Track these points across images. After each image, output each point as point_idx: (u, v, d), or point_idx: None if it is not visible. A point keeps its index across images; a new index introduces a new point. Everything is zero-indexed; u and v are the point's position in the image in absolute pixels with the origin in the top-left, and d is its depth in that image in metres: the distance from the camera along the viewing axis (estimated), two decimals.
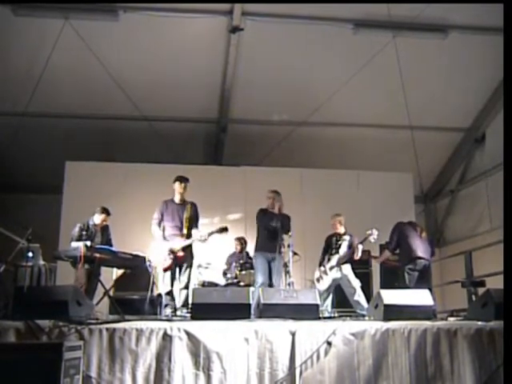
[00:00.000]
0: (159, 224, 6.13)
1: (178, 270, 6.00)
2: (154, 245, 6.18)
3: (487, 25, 7.77)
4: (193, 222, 6.08)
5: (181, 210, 6.10)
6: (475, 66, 8.57)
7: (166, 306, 5.91)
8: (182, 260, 5.95)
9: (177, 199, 6.19)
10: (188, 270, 6.01)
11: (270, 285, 6.23)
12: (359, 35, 7.94)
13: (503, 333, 3.95)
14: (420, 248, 6.52)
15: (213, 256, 7.73)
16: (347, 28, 7.91)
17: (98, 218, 6.57)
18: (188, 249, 6.00)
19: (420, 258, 6.44)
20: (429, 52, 8.33)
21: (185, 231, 6.02)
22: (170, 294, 5.94)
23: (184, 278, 5.97)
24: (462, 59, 8.45)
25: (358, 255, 6.48)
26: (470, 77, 8.76)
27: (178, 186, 6.17)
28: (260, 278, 6.28)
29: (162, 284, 6.13)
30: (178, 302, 5.93)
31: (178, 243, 5.95)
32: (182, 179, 6.20)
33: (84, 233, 6.38)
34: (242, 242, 7.94)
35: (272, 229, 6.37)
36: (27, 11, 7.42)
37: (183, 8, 7.51)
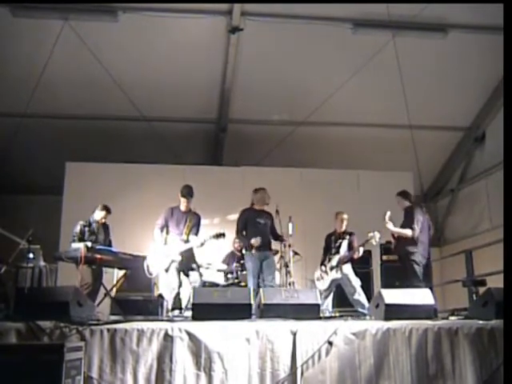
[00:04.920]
0: (162, 229, 6.27)
1: (182, 273, 6.10)
2: (154, 248, 6.27)
3: (487, 24, 7.76)
4: (193, 229, 6.22)
5: (185, 217, 6.25)
6: (475, 66, 8.56)
7: (173, 309, 5.91)
8: (182, 264, 6.06)
9: (182, 207, 6.34)
10: (195, 272, 6.11)
11: (259, 285, 6.21)
12: (358, 35, 7.93)
13: (503, 332, 3.95)
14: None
15: (213, 256, 7.73)
16: (346, 28, 7.91)
17: (98, 215, 6.64)
18: (187, 253, 6.09)
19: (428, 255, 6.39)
20: (429, 52, 8.32)
21: (184, 237, 6.16)
22: (177, 296, 6.00)
23: (194, 279, 6.05)
24: (462, 59, 8.44)
25: (358, 255, 6.48)
26: (469, 76, 8.75)
27: (183, 200, 6.30)
28: (251, 280, 6.30)
29: (163, 285, 6.17)
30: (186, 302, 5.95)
31: (176, 248, 6.07)
32: (188, 196, 6.25)
33: (86, 229, 6.42)
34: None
35: (260, 225, 6.38)
36: (26, 12, 7.41)
37: (183, 8, 7.51)
